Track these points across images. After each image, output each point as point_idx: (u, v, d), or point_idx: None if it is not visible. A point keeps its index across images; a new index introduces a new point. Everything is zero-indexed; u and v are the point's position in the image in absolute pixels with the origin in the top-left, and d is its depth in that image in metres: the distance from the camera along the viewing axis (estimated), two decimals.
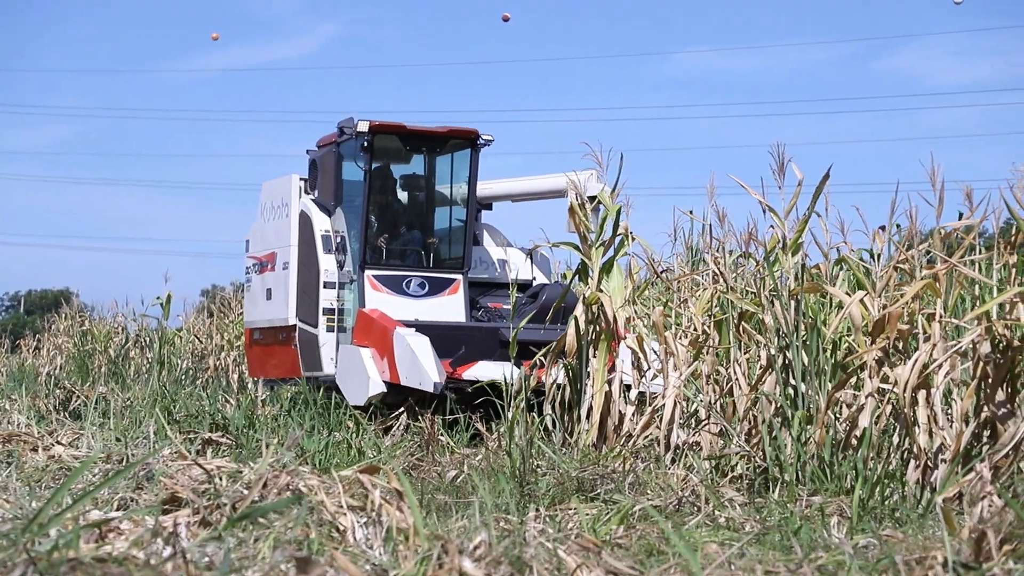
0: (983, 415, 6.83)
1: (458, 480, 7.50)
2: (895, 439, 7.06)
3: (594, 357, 9.78)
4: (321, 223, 13.28)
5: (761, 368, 8.33)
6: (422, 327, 12.11)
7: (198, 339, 21.49)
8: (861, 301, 7.54)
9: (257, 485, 4.69)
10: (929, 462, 6.78)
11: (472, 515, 4.64)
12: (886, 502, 6.36)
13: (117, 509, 5.12)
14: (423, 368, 11.38)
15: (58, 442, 7.29)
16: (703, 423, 8.48)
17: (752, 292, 8.94)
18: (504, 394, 9.58)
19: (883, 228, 8.16)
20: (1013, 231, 7.22)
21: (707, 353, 8.93)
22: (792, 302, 8.03)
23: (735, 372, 8.46)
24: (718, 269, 9.27)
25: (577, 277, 10.46)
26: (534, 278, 13.78)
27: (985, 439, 6.84)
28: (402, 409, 11.81)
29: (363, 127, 12.89)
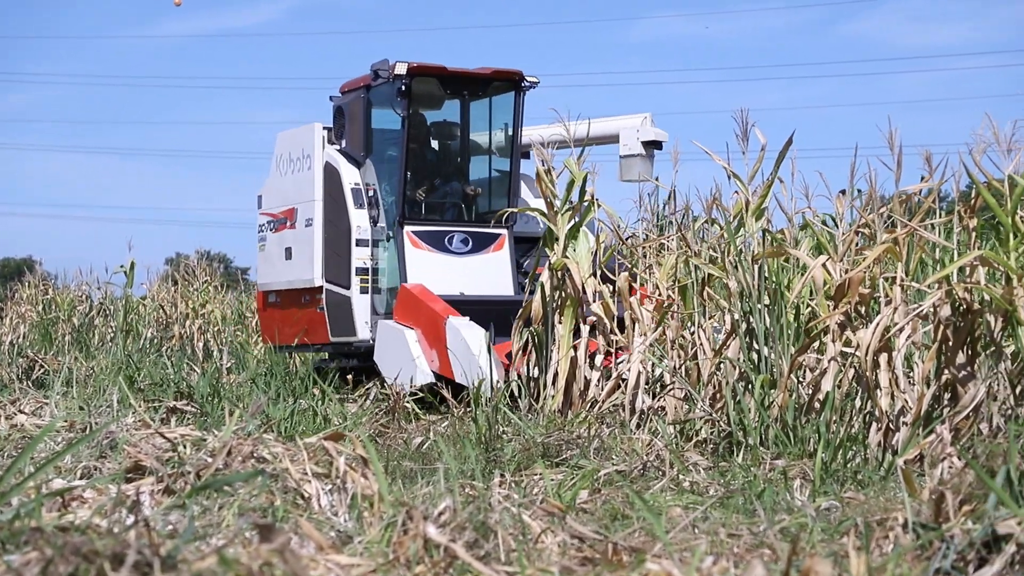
0: (944, 378, 6.89)
1: (424, 447, 7.51)
2: (857, 402, 7.12)
3: (560, 323, 9.79)
4: (350, 175, 12.31)
5: (725, 333, 8.36)
6: (472, 307, 11.07)
7: (162, 307, 21.39)
8: (823, 265, 7.58)
9: (221, 453, 4.68)
10: (891, 424, 6.84)
11: (437, 481, 4.65)
12: (848, 465, 6.41)
13: (80, 478, 5.11)
14: (482, 369, 10.01)
15: (21, 411, 7.25)
16: (668, 388, 8.52)
17: (716, 257, 8.97)
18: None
19: (843, 192, 8.20)
20: (973, 195, 7.25)
21: (671, 318, 8.96)
22: (755, 266, 8.06)
23: (699, 337, 8.49)
24: (683, 234, 9.29)
25: (543, 243, 10.45)
26: None
27: (946, 401, 6.91)
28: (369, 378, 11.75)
29: (401, 69, 11.96)
